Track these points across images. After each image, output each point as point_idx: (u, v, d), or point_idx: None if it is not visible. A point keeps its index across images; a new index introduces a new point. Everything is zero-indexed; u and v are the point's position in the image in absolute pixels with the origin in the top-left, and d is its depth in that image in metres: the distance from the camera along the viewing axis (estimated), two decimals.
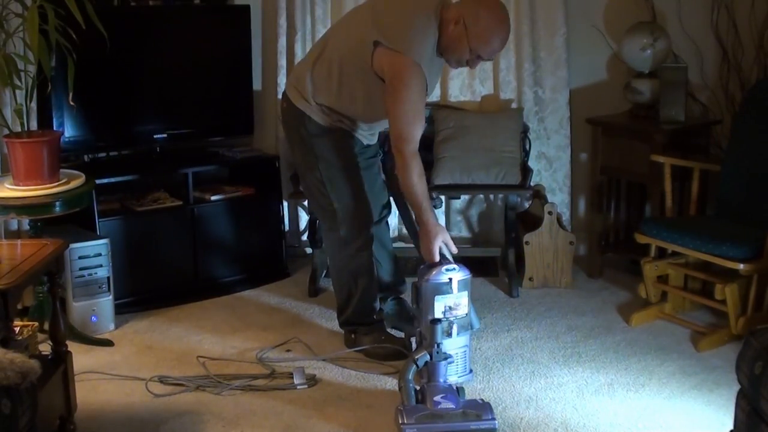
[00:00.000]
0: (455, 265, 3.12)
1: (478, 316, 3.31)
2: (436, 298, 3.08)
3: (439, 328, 2.95)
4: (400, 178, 3.21)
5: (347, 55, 3.28)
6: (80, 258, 3.67)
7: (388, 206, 3.63)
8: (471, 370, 3.25)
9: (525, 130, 4.33)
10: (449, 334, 3.08)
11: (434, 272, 3.09)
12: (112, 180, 3.99)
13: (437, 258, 3.16)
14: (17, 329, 2.90)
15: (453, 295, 3.09)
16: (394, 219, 4.33)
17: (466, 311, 3.13)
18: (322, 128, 3.38)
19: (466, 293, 3.12)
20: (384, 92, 3.17)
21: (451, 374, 3.11)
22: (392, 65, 3.14)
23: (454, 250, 3.21)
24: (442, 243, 3.17)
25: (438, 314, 3.07)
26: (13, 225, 3.81)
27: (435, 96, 4.46)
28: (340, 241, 3.48)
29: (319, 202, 3.52)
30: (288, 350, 3.56)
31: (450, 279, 3.08)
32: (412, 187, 3.17)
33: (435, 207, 3.39)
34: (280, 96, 4.48)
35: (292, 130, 3.48)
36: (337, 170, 3.40)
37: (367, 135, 3.50)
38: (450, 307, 3.10)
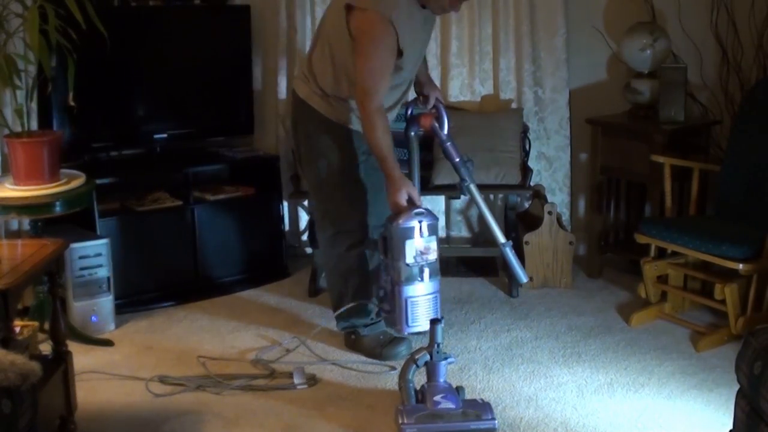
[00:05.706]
0: (422, 210, 3.17)
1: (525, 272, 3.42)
2: (407, 242, 3.12)
3: (439, 328, 2.95)
4: (364, 132, 3.22)
5: (331, 31, 3.28)
6: (80, 258, 3.67)
7: None
8: (442, 317, 3.18)
9: (525, 130, 4.33)
10: (421, 278, 3.16)
11: (403, 217, 3.14)
12: (112, 180, 3.99)
13: (404, 206, 3.17)
14: (17, 329, 2.90)
15: (423, 239, 3.14)
16: None
17: (435, 256, 3.19)
18: (327, 122, 3.35)
19: (434, 238, 3.18)
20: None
21: (421, 320, 3.18)
22: (360, 21, 3.14)
23: (420, 203, 3.22)
24: (408, 195, 3.18)
25: (409, 259, 3.13)
26: (13, 225, 3.81)
27: None
28: (330, 241, 3.47)
29: (313, 200, 3.54)
30: (288, 350, 3.57)
31: (420, 222, 3.13)
32: (376, 141, 3.17)
33: (466, 183, 3.35)
34: (280, 96, 4.51)
35: (298, 124, 3.47)
36: (335, 170, 3.38)
37: None
38: (421, 252, 3.15)
